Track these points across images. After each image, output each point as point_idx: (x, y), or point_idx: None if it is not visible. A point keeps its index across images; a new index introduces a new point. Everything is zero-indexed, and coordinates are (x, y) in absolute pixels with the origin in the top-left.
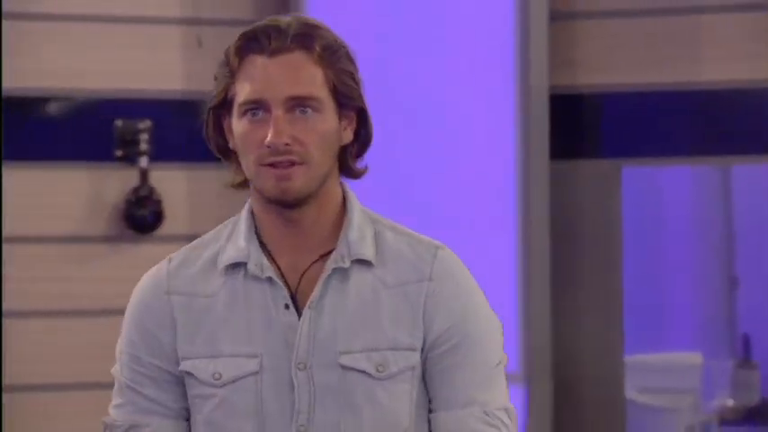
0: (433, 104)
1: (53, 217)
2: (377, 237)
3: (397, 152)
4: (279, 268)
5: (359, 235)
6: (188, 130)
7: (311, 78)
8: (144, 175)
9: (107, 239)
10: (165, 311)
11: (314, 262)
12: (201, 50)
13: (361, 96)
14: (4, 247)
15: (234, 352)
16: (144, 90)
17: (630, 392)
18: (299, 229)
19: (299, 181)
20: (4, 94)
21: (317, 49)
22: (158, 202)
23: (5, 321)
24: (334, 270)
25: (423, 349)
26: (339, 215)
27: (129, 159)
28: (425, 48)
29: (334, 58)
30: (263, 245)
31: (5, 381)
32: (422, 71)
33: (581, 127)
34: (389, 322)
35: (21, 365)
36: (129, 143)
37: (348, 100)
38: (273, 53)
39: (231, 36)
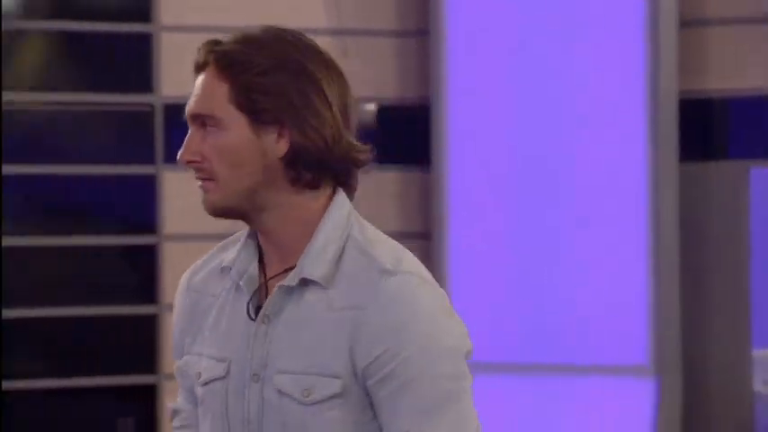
0: (565, 109)
1: (208, 217)
2: (342, 255)
3: (531, 155)
4: (265, 277)
5: (316, 253)
6: None
7: (211, 95)
8: None
9: None
10: (184, 306)
11: (278, 274)
12: (347, 60)
13: (282, 107)
14: (163, 245)
15: (211, 354)
16: None
17: (758, 385)
18: (269, 241)
19: (213, 196)
20: (166, 102)
21: (223, 63)
22: None
23: (161, 318)
24: (281, 287)
25: (358, 377)
26: (314, 228)
27: None
28: (559, 54)
29: (241, 72)
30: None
31: (166, 369)
32: (555, 77)
33: (709, 130)
34: (324, 346)
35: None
36: None
37: (260, 114)
38: (197, 69)
39: (376, 45)
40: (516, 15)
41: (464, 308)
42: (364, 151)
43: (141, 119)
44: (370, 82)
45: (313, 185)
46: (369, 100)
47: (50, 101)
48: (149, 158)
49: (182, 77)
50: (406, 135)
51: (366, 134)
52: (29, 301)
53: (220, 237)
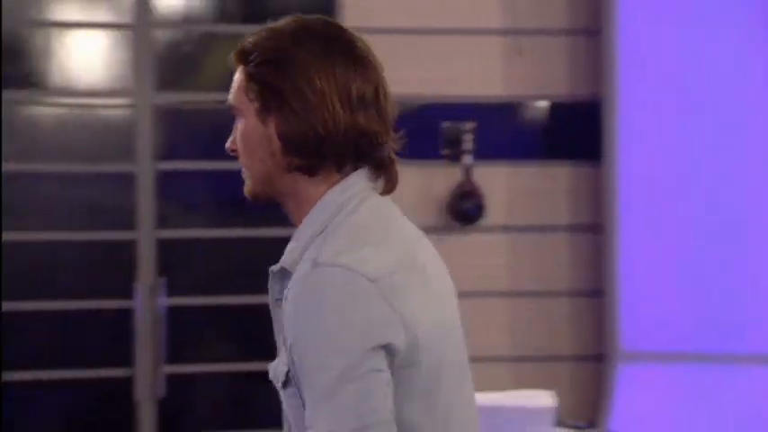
0: (736, 106)
1: None
2: (312, 244)
3: (700, 150)
4: None
5: (295, 240)
6: (508, 131)
7: (234, 86)
8: (468, 171)
9: (435, 230)
10: None
11: None
12: (521, 58)
13: (268, 96)
14: None
15: None
16: (468, 95)
17: None
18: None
19: (246, 182)
20: None
21: (239, 55)
22: (481, 197)
23: None
24: (270, 272)
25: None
26: None
27: (455, 158)
28: (732, 53)
29: (247, 62)
30: None
31: None
32: (728, 75)
33: None
34: (280, 334)
35: None
36: (455, 143)
37: (257, 101)
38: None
39: (549, 44)
40: (688, 12)
41: (634, 299)
42: (376, 139)
43: None
44: (542, 80)
45: (307, 172)
46: (541, 97)
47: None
48: None
49: None
50: (578, 131)
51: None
52: (218, 289)
53: None
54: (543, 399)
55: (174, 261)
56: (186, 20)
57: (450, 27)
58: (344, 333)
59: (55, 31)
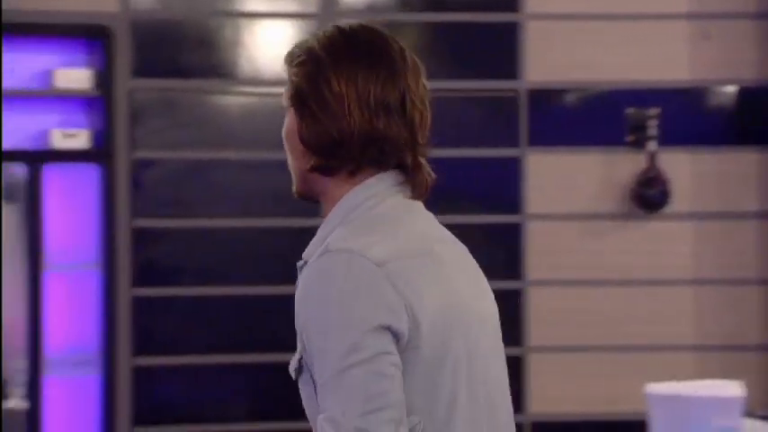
0: None
1: (571, 196)
2: (330, 237)
3: None
4: None
5: (315, 238)
6: (694, 117)
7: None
8: (652, 158)
9: (618, 216)
10: None
11: None
12: (708, 42)
13: (294, 98)
14: (527, 224)
15: None
16: (653, 80)
17: None
18: None
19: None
20: (531, 87)
21: (288, 56)
22: (666, 183)
23: (525, 293)
24: (297, 266)
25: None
26: None
27: (639, 144)
28: None
29: (290, 64)
30: None
31: (531, 342)
32: None
33: None
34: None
35: (542, 329)
36: (639, 129)
37: (291, 102)
38: None
39: (737, 28)
40: None
41: None
42: (396, 144)
43: (506, 104)
44: (729, 64)
45: (327, 173)
46: (728, 82)
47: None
48: (514, 141)
49: (546, 64)
50: (767, 116)
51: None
52: None
53: (578, 216)
54: (731, 389)
55: None
56: (370, 9)
57: (635, 12)
58: (350, 315)
59: (242, 22)
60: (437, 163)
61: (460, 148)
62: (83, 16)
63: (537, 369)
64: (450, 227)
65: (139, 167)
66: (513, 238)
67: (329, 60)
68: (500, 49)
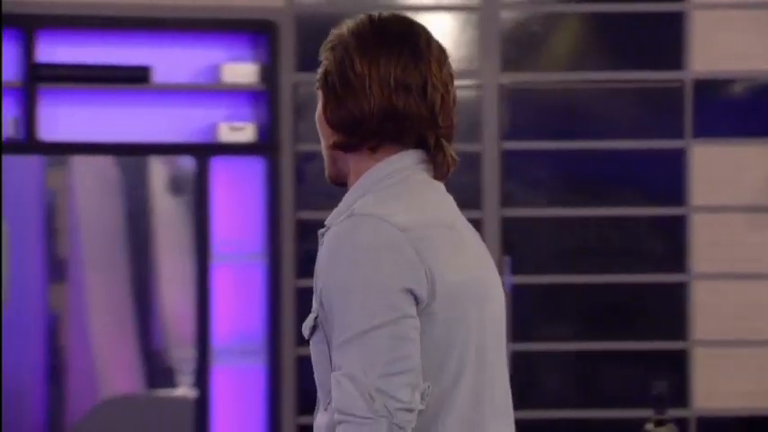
0: None
1: (737, 188)
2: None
3: None
4: None
5: (340, 206)
6: None
7: None
8: None
9: None
10: None
11: None
12: None
13: (321, 81)
14: (692, 216)
15: None
16: None
17: None
18: None
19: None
20: (697, 77)
21: (325, 43)
22: None
23: (690, 286)
24: (319, 236)
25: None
26: None
27: None
28: None
29: (323, 49)
30: None
31: (696, 336)
32: None
33: None
34: (315, 286)
35: (708, 322)
36: None
37: (320, 83)
38: None
39: None
40: None
41: None
42: (415, 123)
43: (671, 95)
44: None
45: (347, 149)
46: None
47: (585, 79)
48: (678, 133)
49: (712, 54)
50: None
51: None
52: (562, 268)
53: (744, 208)
54: None
55: (518, 240)
56: (533, 0)
57: None
58: (376, 277)
59: (406, 14)
60: (599, 154)
61: (625, 139)
62: (249, 12)
63: (702, 363)
64: (615, 219)
65: (303, 160)
66: (678, 231)
67: (355, 45)
68: (665, 40)
